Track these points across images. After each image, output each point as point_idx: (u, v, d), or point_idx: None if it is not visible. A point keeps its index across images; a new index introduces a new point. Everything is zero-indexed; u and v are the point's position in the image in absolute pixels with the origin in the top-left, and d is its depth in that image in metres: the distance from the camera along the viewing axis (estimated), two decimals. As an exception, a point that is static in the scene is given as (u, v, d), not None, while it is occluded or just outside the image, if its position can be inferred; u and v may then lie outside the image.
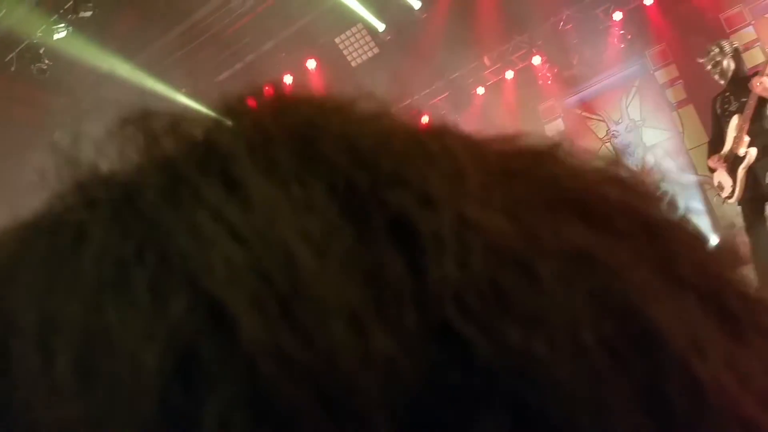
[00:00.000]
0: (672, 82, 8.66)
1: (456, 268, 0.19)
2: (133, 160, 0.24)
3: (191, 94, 9.03)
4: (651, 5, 8.50)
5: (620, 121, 8.99)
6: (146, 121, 0.26)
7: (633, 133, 8.89)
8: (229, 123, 0.25)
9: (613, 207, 0.24)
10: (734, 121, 5.30)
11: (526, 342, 0.18)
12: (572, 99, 9.07)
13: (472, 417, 0.17)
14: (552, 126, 9.20)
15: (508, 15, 8.36)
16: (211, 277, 0.18)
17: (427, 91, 9.21)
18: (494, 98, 9.12)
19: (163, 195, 0.21)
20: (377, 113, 0.26)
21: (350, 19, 8.51)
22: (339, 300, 0.18)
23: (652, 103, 8.68)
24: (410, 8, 8.50)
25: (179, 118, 0.25)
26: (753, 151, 5.11)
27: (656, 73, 8.79)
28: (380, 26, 8.65)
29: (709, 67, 5.53)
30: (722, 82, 5.51)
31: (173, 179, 0.22)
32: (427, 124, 0.27)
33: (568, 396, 0.17)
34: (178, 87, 8.84)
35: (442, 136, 0.25)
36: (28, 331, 0.19)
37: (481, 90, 9.14)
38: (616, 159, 0.28)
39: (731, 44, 5.54)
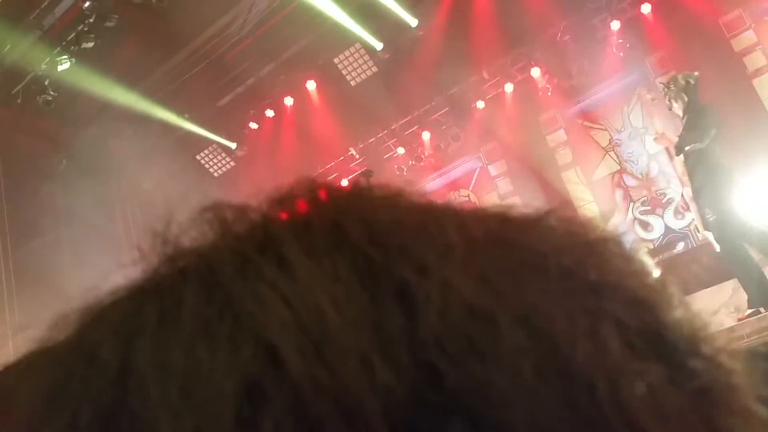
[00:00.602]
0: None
1: (438, 320, 0.26)
2: (210, 239, 0.32)
3: (194, 120, 9.15)
4: (648, 13, 8.50)
5: (622, 129, 8.96)
6: (219, 209, 0.34)
7: (636, 140, 8.86)
8: (278, 211, 0.33)
9: (568, 267, 0.30)
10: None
11: (484, 371, 0.25)
12: (573, 109, 9.06)
13: (445, 425, 0.25)
14: (554, 137, 9.19)
15: (505, 28, 8.40)
16: (270, 330, 0.26)
17: (427, 107, 9.25)
18: (495, 111, 9.13)
19: (235, 270, 0.29)
20: (390, 199, 0.33)
21: (348, 39, 8.60)
22: (355, 345, 0.26)
23: (654, 110, 8.64)
24: (407, 26, 8.57)
25: (244, 207, 0.34)
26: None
27: (657, 80, 8.75)
28: (378, 45, 8.72)
29: (667, 102, 5.68)
30: (680, 113, 5.65)
31: (241, 258, 0.30)
32: (431, 204, 0.33)
33: (511, 407, 0.25)
34: (180, 113, 8.95)
35: (440, 215, 0.32)
36: (146, 369, 0.27)
37: (481, 104, 9.16)
38: (600, 228, 0.34)
39: (685, 77, 5.69)
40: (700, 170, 5.42)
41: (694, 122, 5.49)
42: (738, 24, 8.38)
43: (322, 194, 0.34)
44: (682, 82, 5.65)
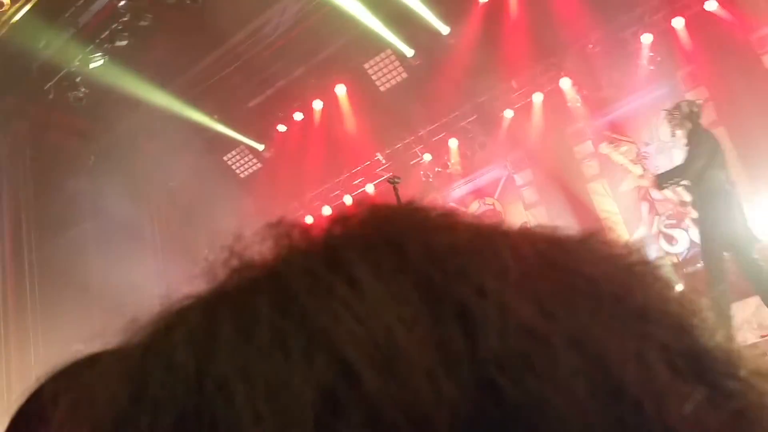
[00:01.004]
0: (703, 104, 8.59)
1: (497, 340, 0.28)
2: (276, 254, 0.34)
3: (222, 120, 9.17)
4: (680, 28, 8.47)
5: (651, 142, 8.93)
6: (283, 225, 0.35)
7: (664, 154, 8.82)
8: (338, 229, 0.34)
9: (616, 292, 0.31)
10: None
11: (541, 388, 0.27)
12: (601, 121, 9.04)
13: None
14: (581, 149, 9.16)
15: (536, 38, 8.39)
16: (344, 345, 0.28)
17: (455, 114, 9.25)
18: (523, 121, 9.12)
19: (307, 286, 0.30)
20: (445, 221, 0.35)
21: (379, 44, 8.61)
22: (422, 361, 0.27)
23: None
24: (438, 33, 8.58)
25: (309, 226, 0.35)
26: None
27: (686, 95, 8.73)
28: (409, 51, 8.73)
29: (671, 128, 5.79)
30: (684, 140, 5.70)
31: (312, 275, 0.31)
32: (483, 225, 0.35)
33: (566, 423, 0.26)
34: (210, 113, 8.98)
35: (493, 238, 0.33)
36: (227, 374, 0.28)
37: (509, 113, 9.15)
38: (638, 251, 0.35)
39: (690, 105, 5.77)
40: (700, 197, 5.46)
41: (694, 150, 5.53)
42: (769, 41, 8.35)
43: (380, 214, 0.35)
44: (687, 110, 5.72)
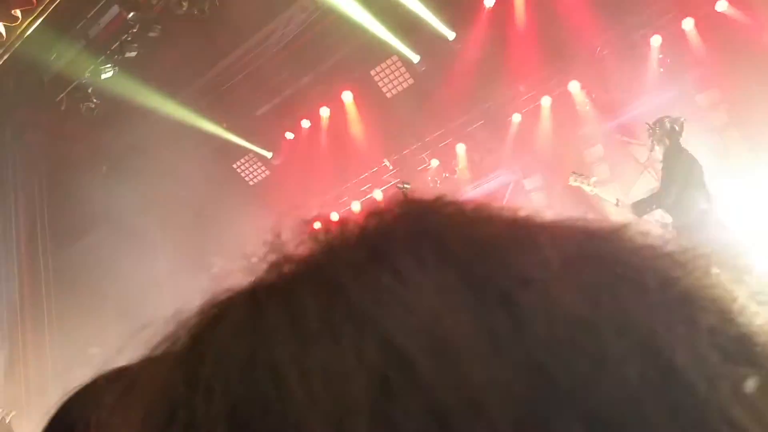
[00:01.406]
0: (714, 107, 8.47)
1: (545, 329, 0.28)
2: (315, 248, 0.35)
3: (231, 129, 9.27)
4: (690, 29, 8.36)
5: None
6: (321, 221, 0.37)
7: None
8: (381, 226, 0.35)
9: (660, 279, 0.32)
10: None
11: (592, 374, 0.27)
12: (611, 124, 8.94)
13: (560, 421, 0.27)
14: (591, 152, 9.07)
15: (543, 42, 8.34)
16: (393, 333, 0.29)
17: (463, 119, 9.22)
18: (531, 125, 9.06)
19: (352, 278, 0.31)
20: (482, 213, 0.36)
21: (385, 51, 8.63)
22: (472, 346, 0.28)
23: (694, 127, 8.48)
24: (444, 39, 8.57)
25: (345, 221, 0.36)
26: None
27: (697, 97, 8.61)
28: (415, 57, 8.74)
29: (650, 143, 5.75)
30: (660, 157, 5.70)
31: (355, 267, 0.32)
32: (518, 217, 0.36)
33: (620, 407, 0.27)
34: (219, 122, 9.08)
35: (530, 229, 0.34)
36: (282, 364, 0.29)
37: (517, 117, 9.09)
38: (670, 239, 0.36)
39: (672, 122, 5.70)
40: (677, 218, 5.45)
41: (669, 174, 5.48)
42: (783, 40, 8.20)
43: (416, 208, 0.36)
44: (668, 126, 5.67)
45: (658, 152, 5.74)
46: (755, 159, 7.82)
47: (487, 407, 0.26)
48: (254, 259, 0.35)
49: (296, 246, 0.35)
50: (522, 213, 0.36)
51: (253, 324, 0.31)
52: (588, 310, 0.29)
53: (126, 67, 7.96)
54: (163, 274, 8.90)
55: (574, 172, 6.54)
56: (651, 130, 5.79)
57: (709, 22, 8.26)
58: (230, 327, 0.32)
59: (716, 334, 0.30)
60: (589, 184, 6.49)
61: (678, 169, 5.46)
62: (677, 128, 5.65)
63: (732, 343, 0.31)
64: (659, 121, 5.80)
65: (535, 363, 0.27)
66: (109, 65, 7.88)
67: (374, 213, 0.36)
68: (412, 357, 0.28)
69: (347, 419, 0.27)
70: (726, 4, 8.16)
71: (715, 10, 8.18)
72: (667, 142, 5.64)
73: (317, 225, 0.37)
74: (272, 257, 0.35)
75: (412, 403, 0.27)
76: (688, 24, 8.37)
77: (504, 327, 0.28)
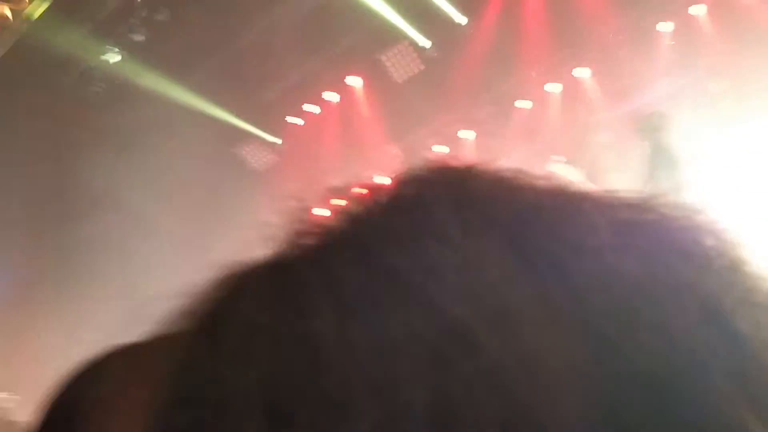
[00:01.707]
0: (725, 94, 8.44)
1: (602, 296, 0.27)
2: (351, 218, 0.32)
3: (238, 114, 9.21)
4: (703, 15, 8.31)
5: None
6: (350, 189, 0.34)
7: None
8: (419, 192, 0.32)
9: (703, 248, 0.31)
10: None
11: (656, 342, 0.26)
12: (622, 111, 8.91)
13: (623, 386, 0.25)
14: (602, 139, 9.05)
15: (554, 28, 8.29)
16: (444, 301, 0.27)
17: (473, 105, 9.18)
18: (542, 111, 9.02)
19: (394, 245, 0.29)
20: (522, 181, 0.33)
21: (396, 36, 8.57)
22: (532, 313, 0.26)
23: (705, 115, 8.46)
24: (456, 24, 8.51)
25: (380, 187, 0.34)
26: None
27: (710, 85, 8.57)
28: (426, 43, 8.67)
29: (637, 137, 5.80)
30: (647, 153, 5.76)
31: (398, 234, 0.30)
32: (557, 186, 0.34)
33: (685, 377, 0.26)
34: (226, 107, 9.02)
35: (573, 197, 0.33)
36: (327, 338, 0.27)
37: (528, 103, 9.06)
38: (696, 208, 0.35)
39: (660, 118, 5.71)
40: None
41: (650, 171, 5.50)
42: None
43: (454, 174, 0.34)
44: (655, 122, 5.65)
45: (645, 148, 5.75)
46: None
47: (553, 373, 0.25)
48: (273, 230, 0.32)
49: (322, 217, 0.32)
50: (557, 182, 0.34)
51: (282, 295, 0.29)
52: (645, 277, 0.28)
53: (133, 50, 7.87)
54: (168, 259, 8.87)
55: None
56: (638, 126, 5.80)
57: (722, 8, 8.22)
58: (254, 299, 0.30)
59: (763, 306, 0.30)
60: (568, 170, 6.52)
61: (659, 169, 5.49)
62: (663, 124, 5.66)
63: None
64: (648, 117, 5.83)
65: (596, 332, 0.26)
66: (116, 49, 7.79)
67: (408, 180, 0.34)
68: (467, 326, 0.26)
69: (400, 395, 0.25)
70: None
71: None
72: (652, 138, 5.66)
73: (342, 197, 0.34)
74: (295, 228, 0.32)
75: (470, 375, 0.25)
76: (700, 10, 8.32)
77: (560, 295, 0.27)
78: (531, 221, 0.30)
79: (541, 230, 0.30)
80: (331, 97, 9.38)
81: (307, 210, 0.33)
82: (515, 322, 0.26)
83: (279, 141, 9.82)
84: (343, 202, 0.33)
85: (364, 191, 0.34)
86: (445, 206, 0.31)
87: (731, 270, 0.31)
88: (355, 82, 9.13)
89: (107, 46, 7.84)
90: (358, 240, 0.30)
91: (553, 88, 8.95)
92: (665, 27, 8.39)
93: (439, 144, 9.52)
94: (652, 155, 5.63)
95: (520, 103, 9.11)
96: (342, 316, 0.27)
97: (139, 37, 7.63)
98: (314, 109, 9.52)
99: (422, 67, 8.92)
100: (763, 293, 0.30)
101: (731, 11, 8.13)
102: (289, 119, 9.62)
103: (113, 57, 7.78)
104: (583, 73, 8.73)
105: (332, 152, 9.49)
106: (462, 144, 9.45)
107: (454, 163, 0.35)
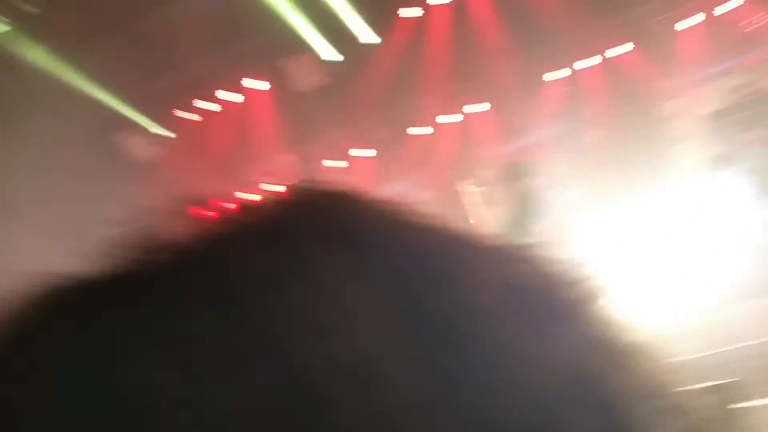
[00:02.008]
0: (598, 144, 9.12)
1: (490, 365, 0.26)
2: (203, 239, 0.28)
3: (127, 101, 8.68)
4: (586, 69, 8.95)
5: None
6: (208, 204, 0.32)
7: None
8: (288, 217, 0.30)
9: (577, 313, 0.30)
10: None
11: (545, 418, 0.25)
12: (510, 148, 9.36)
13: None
14: (486, 173, 9.46)
15: (459, 60, 8.56)
16: (301, 361, 0.24)
17: (371, 124, 9.26)
18: (436, 140, 9.29)
19: (248, 279, 0.26)
20: (401, 217, 0.31)
21: (304, 46, 8.46)
22: (391, 372, 0.24)
23: (578, 163, 9.07)
24: (366, 42, 8.56)
25: (244, 204, 0.31)
26: None
27: (584, 134, 9.23)
28: (333, 56, 8.64)
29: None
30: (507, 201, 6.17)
31: (254, 266, 0.26)
32: (445, 229, 0.31)
33: None
34: (115, 92, 8.46)
35: (461, 246, 0.31)
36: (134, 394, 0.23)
37: (424, 129, 9.29)
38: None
39: (523, 168, 6.15)
40: None
41: (518, 213, 5.83)
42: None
43: (327, 201, 0.31)
44: (516, 171, 6.04)
45: (504, 195, 6.07)
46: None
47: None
48: (119, 237, 0.28)
49: (176, 232, 0.28)
50: (434, 221, 0.31)
51: (93, 342, 0.24)
52: (534, 347, 0.26)
53: (25, 22, 7.17)
54: (29, 246, 8.15)
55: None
56: (501, 173, 6.14)
57: (606, 65, 8.91)
58: (58, 343, 0.25)
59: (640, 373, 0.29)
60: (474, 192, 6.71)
61: (518, 215, 5.77)
62: (524, 173, 6.02)
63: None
64: (508, 166, 6.18)
65: (475, 404, 0.24)
66: (6, 18, 7.05)
67: (284, 204, 0.31)
68: (322, 387, 0.23)
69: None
70: (625, 48, 8.78)
71: (606, 57, 8.84)
72: (513, 186, 5.97)
73: (205, 210, 0.31)
74: (141, 242, 0.28)
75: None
76: (584, 64, 8.97)
77: (440, 355, 0.25)
78: (416, 273, 0.27)
79: (428, 286, 0.27)
80: (231, 97, 9.07)
81: (168, 219, 0.29)
82: (375, 378, 0.23)
83: (171, 134, 9.33)
84: (208, 215, 0.30)
85: (233, 207, 0.31)
86: (312, 240, 0.27)
87: (599, 337, 0.29)
88: (256, 85, 8.90)
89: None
90: (210, 273, 0.26)
91: (446, 119, 9.25)
92: (551, 76, 8.95)
93: (333, 159, 9.52)
94: (517, 201, 5.93)
95: (413, 130, 9.33)
96: (153, 370, 0.23)
97: (32, 9, 6.95)
98: (212, 107, 9.15)
99: (328, 80, 8.88)
100: (626, 352, 0.29)
101: (609, 66, 8.84)
102: (182, 114, 9.17)
103: (2, 26, 7.02)
104: (476, 108, 9.09)
105: (221, 151, 9.18)
106: (356, 162, 9.51)
107: (339, 188, 0.32)
